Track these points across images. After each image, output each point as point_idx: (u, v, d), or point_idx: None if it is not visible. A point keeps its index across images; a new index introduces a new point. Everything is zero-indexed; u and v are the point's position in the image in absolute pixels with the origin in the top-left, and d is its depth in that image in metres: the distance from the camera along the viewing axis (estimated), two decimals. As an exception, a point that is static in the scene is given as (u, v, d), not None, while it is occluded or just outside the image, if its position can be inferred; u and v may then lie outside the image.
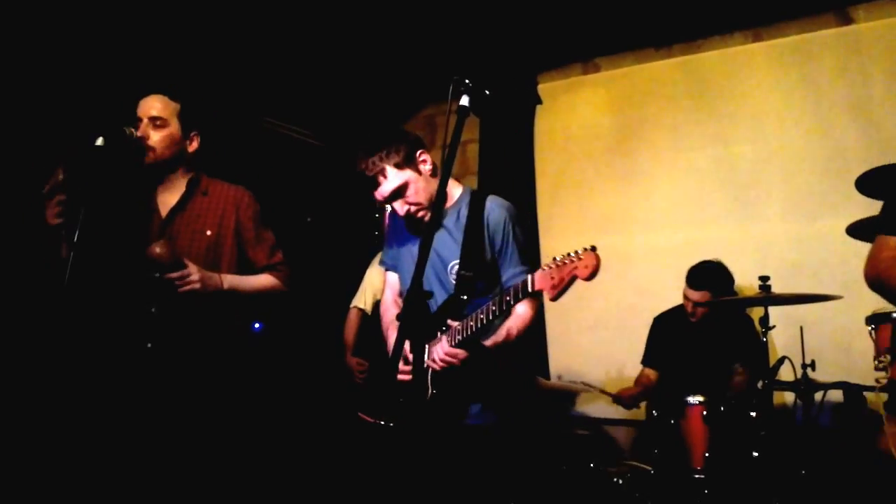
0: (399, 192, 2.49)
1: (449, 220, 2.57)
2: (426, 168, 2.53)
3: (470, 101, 1.94)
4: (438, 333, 2.43)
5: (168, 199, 2.59)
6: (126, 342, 2.41)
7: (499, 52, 4.67)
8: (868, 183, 3.23)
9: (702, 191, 4.61)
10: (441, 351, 2.34)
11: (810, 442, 3.29)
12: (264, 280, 2.66)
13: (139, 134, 2.48)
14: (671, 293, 4.09)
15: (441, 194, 1.91)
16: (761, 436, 3.24)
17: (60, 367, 2.35)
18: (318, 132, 5.26)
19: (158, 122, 2.53)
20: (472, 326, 2.31)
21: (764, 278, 3.35)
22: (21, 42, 3.30)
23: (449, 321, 2.38)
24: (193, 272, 2.39)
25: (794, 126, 4.39)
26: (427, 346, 2.46)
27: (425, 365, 2.42)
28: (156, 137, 2.51)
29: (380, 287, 4.24)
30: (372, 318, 4.29)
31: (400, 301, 2.79)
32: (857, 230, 3.33)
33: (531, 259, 2.56)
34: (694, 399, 3.42)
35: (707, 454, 3.29)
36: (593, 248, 2.08)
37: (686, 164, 4.68)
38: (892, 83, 4.13)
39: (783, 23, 4.47)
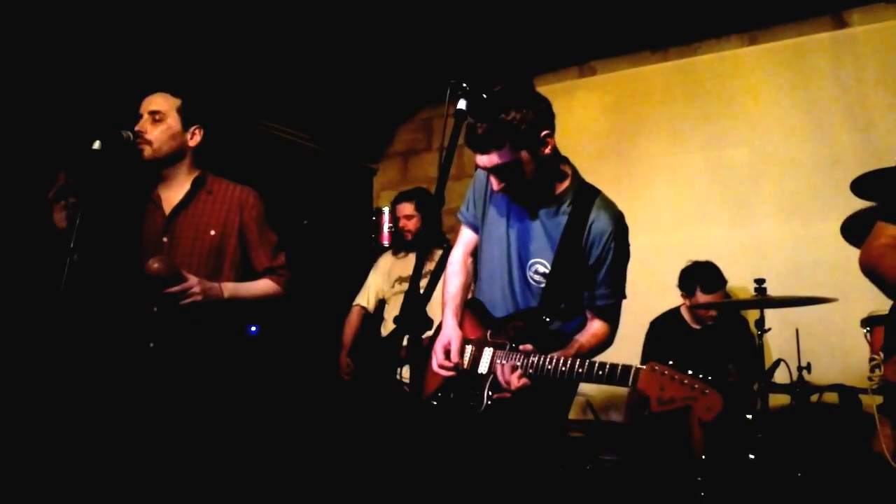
0: (503, 170, 2.17)
1: (547, 212, 2.29)
2: (546, 150, 2.20)
3: (467, 105, 1.92)
4: (507, 344, 2.24)
5: (171, 196, 2.56)
6: (129, 342, 2.40)
7: (495, 55, 4.68)
8: (863, 186, 3.25)
9: (697, 193, 4.62)
10: (514, 379, 2.15)
11: (806, 444, 3.30)
12: (263, 286, 2.63)
13: (138, 128, 2.47)
14: (667, 296, 4.10)
15: (439, 198, 1.86)
16: (757, 438, 3.25)
17: (65, 367, 2.35)
18: (315, 135, 5.26)
19: (157, 117, 2.51)
20: (549, 371, 2.13)
21: (759, 281, 3.36)
22: (21, 45, 3.30)
23: (524, 346, 2.19)
24: (194, 284, 2.37)
25: (789, 129, 4.40)
26: (491, 350, 2.29)
27: (482, 371, 2.26)
28: (154, 132, 2.49)
29: (383, 287, 4.26)
30: (373, 317, 4.30)
31: (470, 263, 2.54)
32: (850, 230, 3.34)
33: (622, 281, 2.32)
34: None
35: (704, 456, 3.30)
36: (719, 388, 1.93)
37: (681, 167, 4.69)
38: (886, 86, 4.14)
39: (778, 26, 4.49)
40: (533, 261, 2.28)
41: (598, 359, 2.13)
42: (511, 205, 2.35)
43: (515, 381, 2.15)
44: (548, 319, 2.24)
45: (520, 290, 2.32)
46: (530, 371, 2.16)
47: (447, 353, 2.29)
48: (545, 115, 2.20)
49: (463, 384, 2.29)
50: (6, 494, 2.47)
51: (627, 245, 2.31)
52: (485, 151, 2.14)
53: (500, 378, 2.18)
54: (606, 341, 2.30)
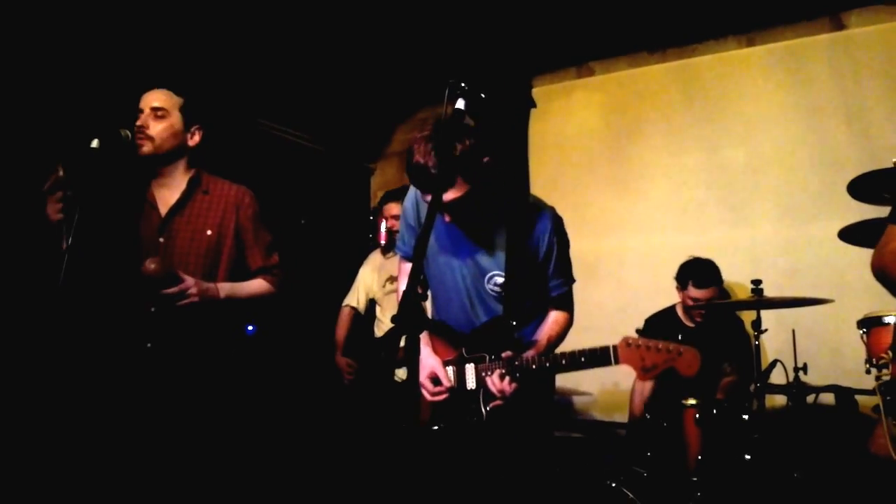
0: (456, 205, 2.21)
1: (487, 224, 2.39)
2: (488, 175, 2.24)
3: (465, 105, 1.93)
4: (486, 357, 2.36)
5: (167, 196, 2.56)
6: (126, 342, 2.40)
7: (493, 55, 4.68)
8: (860, 187, 3.25)
9: (695, 194, 4.62)
10: (506, 386, 2.26)
11: (802, 445, 3.31)
12: (258, 286, 2.64)
13: (139, 123, 2.47)
14: (664, 296, 4.10)
15: (436, 201, 1.87)
16: (754, 439, 3.25)
17: (62, 367, 2.34)
18: (313, 134, 5.25)
19: (159, 113, 2.50)
20: (531, 367, 2.27)
21: (756, 282, 3.36)
22: (19, 42, 3.30)
23: (506, 354, 2.31)
24: (191, 285, 2.37)
25: (786, 130, 4.41)
26: (472, 365, 2.39)
27: (471, 387, 2.37)
28: (156, 128, 2.49)
29: (372, 286, 4.24)
30: (364, 318, 4.28)
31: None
32: (850, 235, 3.34)
33: (569, 268, 2.49)
34: (687, 402, 3.43)
35: (700, 457, 3.30)
36: (694, 346, 2.17)
37: (680, 168, 4.69)
38: (884, 88, 4.16)
39: (777, 28, 4.49)
40: (491, 274, 2.39)
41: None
42: (451, 225, 2.36)
43: (507, 387, 2.27)
44: (514, 323, 2.36)
45: (481, 305, 2.44)
46: (517, 375, 2.28)
47: (435, 381, 2.39)
48: (487, 138, 2.21)
49: (456, 404, 2.39)
50: (3, 494, 2.47)
51: (566, 234, 2.48)
52: (438, 192, 2.13)
53: (493, 388, 2.29)
54: (567, 326, 2.49)
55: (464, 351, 2.43)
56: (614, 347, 2.20)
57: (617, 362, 2.20)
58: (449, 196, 2.17)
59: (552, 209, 2.45)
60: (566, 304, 2.50)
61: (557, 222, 2.43)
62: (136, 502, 2.30)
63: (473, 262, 2.41)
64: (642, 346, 2.17)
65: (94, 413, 2.35)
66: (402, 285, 2.58)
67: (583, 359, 2.24)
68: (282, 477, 3.83)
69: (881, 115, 4.14)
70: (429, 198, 2.20)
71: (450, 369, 2.43)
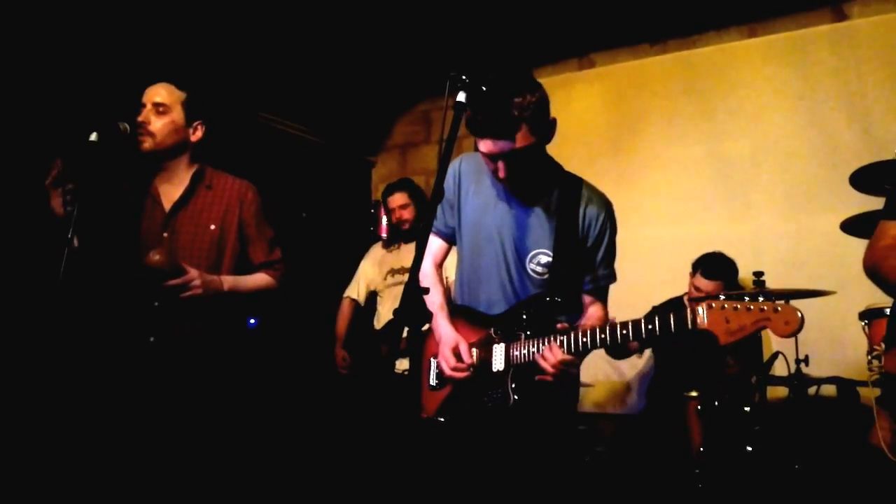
0: (516, 156, 2.09)
1: (537, 201, 2.27)
2: (550, 136, 2.19)
3: (467, 97, 1.91)
4: (522, 336, 2.16)
5: (171, 191, 2.56)
6: (130, 336, 2.40)
7: (494, 47, 4.67)
8: (863, 179, 3.25)
9: (696, 186, 4.61)
10: (565, 356, 2.04)
11: (803, 437, 3.31)
12: (260, 280, 2.65)
13: (141, 118, 2.47)
14: (665, 288, 4.10)
15: (438, 191, 1.85)
16: (755, 430, 3.26)
17: (65, 362, 2.34)
18: (313, 127, 5.25)
19: (161, 109, 2.50)
20: (584, 342, 2.04)
21: (758, 273, 3.35)
22: (20, 37, 3.29)
23: (561, 325, 2.11)
24: (195, 277, 2.37)
25: (788, 121, 4.40)
26: (502, 345, 2.19)
27: (498, 368, 2.17)
28: (157, 124, 2.49)
29: (373, 278, 4.23)
30: (364, 309, 4.28)
31: (440, 273, 2.47)
32: (852, 226, 3.34)
33: (614, 261, 2.33)
34: (688, 394, 3.43)
35: (702, 448, 3.30)
36: (787, 301, 1.81)
37: (681, 160, 4.68)
38: (886, 79, 4.14)
39: (778, 18, 4.48)
40: (534, 252, 2.24)
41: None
42: (498, 201, 2.31)
43: (568, 358, 2.05)
44: (559, 300, 2.17)
45: (520, 284, 2.27)
46: (572, 350, 2.07)
47: (458, 356, 2.20)
48: (548, 101, 2.17)
49: (475, 389, 2.20)
50: (6, 489, 2.47)
51: (616, 224, 2.33)
52: (501, 136, 2.07)
53: (545, 363, 2.06)
54: (606, 320, 2.28)
55: (492, 332, 2.24)
56: (693, 312, 1.88)
57: (695, 328, 1.88)
58: (509, 144, 2.06)
59: (605, 195, 2.33)
60: (606, 298, 2.33)
61: (610, 208, 2.30)
62: (137, 497, 2.30)
63: (516, 237, 2.26)
64: (727, 308, 1.84)
65: (98, 407, 2.36)
66: (427, 266, 2.43)
67: (650, 326, 1.94)
68: (283, 469, 3.84)
69: (883, 105, 4.12)
70: (487, 147, 2.10)
71: (474, 351, 2.23)
